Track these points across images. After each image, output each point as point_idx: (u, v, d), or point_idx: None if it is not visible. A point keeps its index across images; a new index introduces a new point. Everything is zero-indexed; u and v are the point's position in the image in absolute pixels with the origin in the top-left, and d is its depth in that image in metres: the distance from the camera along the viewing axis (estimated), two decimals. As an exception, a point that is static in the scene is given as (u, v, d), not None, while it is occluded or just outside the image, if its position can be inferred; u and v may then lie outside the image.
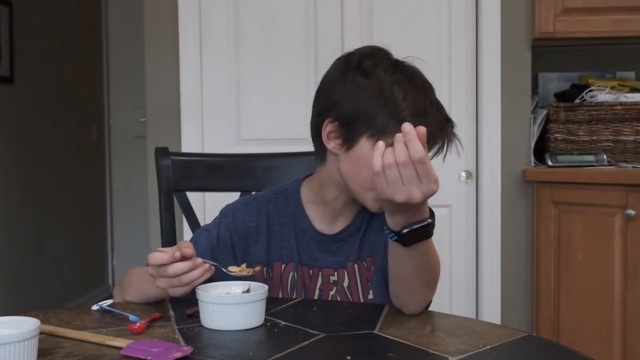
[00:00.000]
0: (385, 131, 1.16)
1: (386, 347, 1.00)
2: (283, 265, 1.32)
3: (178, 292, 1.14)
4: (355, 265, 1.30)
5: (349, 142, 1.21)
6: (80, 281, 4.60)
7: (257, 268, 1.18)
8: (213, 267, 1.15)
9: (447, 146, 1.22)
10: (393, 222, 1.08)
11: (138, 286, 1.26)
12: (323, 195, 1.30)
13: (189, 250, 1.13)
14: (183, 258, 1.12)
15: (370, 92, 1.19)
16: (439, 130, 1.20)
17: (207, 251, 1.30)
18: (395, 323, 1.11)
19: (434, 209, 1.35)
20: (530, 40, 2.52)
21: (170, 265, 1.10)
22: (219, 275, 1.17)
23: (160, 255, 1.11)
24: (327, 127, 1.23)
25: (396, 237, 1.09)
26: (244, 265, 1.17)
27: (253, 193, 1.44)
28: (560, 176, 2.39)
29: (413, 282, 1.15)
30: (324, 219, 1.31)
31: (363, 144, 1.19)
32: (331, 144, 1.24)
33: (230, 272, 1.16)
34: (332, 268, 1.30)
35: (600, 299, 2.29)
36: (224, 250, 1.32)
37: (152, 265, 1.12)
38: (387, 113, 1.17)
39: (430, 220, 1.08)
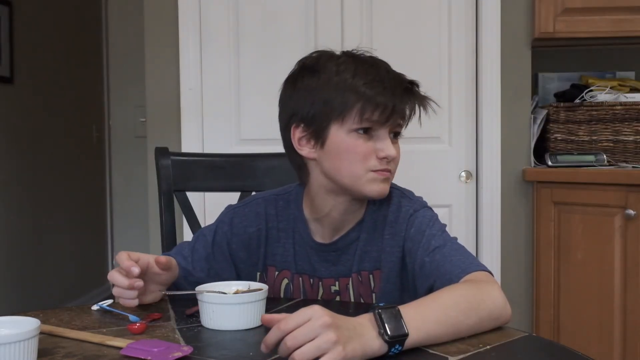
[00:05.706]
0: (346, 107, 1.17)
1: (386, 347, 0.99)
2: (276, 272, 1.31)
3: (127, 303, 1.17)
4: (359, 277, 1.27)
5: (320, 137, 1.20)
6: (80, 281, 4.60)
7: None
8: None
9: (420, 108, 1.21)
10: None
11: None
12: (319, 209, 1.26)
13: (161, 259, 1.19)
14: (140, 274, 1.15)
15: (322, 83, 1.19)
16: (404, 91, 1.19)
17: (202, 260, 1.30)
18: (395, 323, 1.10)
19: (434, 209, 1.33)
20: (530, 40, 2.52)
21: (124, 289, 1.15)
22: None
23: (121, 280, 1.14)
24: (295, 134, 1.22)
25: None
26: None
27: (253, 194, 1.42)
28: (560, 176, 2.39)
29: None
30: (323, 234, 1.28)
31: (333, 134, 1.19)
32: (305, 150, 1.22)
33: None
34: (332, 278, 1.27)
35: (600, 299, 2.29)
36: (220, 257, 1.32)
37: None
38: (342, 92, 1.17)
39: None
